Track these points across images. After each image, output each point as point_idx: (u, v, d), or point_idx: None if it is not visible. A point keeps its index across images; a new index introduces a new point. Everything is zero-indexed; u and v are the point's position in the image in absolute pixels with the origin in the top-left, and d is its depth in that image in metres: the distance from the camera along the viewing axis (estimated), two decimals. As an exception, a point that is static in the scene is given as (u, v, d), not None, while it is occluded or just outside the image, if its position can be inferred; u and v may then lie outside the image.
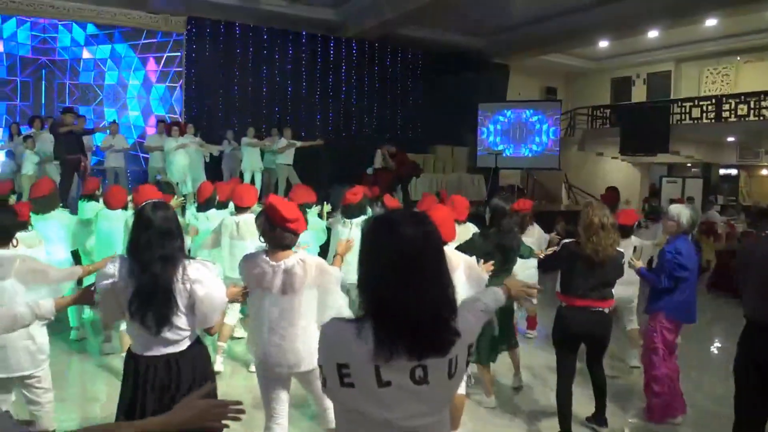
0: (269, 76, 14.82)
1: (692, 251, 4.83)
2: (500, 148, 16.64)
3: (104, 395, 5.32)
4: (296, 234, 3.26)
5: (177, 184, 11.10)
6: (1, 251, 3.53)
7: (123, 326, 5.38)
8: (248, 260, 3.34)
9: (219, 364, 5.56)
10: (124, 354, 5.30)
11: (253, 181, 12.14)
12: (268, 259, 3.24)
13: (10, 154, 11.38)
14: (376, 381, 1.58)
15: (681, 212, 4.82)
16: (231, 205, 6.12)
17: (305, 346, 3.24)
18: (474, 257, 4.12)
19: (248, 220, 5.54)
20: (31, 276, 3.46)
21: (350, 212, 6.12)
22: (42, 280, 3.51)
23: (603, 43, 17.40)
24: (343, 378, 1.60)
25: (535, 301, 6.76)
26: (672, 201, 10.97)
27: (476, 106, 17.21)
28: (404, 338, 1.57)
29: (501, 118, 17.37)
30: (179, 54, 14.27)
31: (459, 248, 4.24)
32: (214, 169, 12.31)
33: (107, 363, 5.90)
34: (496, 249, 4.83)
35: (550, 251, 5.05)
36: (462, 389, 4.15)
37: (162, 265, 2.74)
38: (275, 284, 3.22)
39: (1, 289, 3.35)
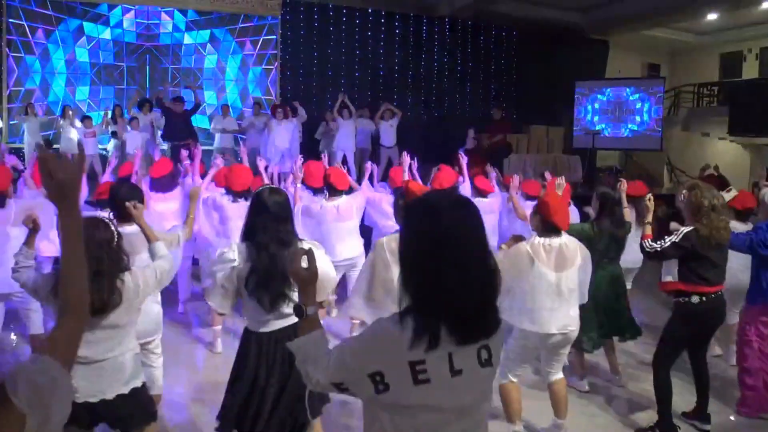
0: (362, 56, 14.88)
1: None
2: (598, 127, 16.00)
3: (206, 364, 5.54)
4: None
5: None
6: (129, 228, 3.54)
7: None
8: None
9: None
10: (217, 327, 5.54)
11: (345, 162, 12.31)
12: None
13: (114, 135, 11.97)
14: (449, 370, 1.55)
15: None
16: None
17: None
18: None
19: (348, 203, 5.61)
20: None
21: None
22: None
23: (711, 16, 16.28)
24: (417, 375, 1.52)
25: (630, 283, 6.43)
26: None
27: (573, 84, 16.53)
28: (451, 324, 1.52)
29: (599, 97, 16.63)
30: (274, 37, 14.55)
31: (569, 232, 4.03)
32: (312, 149, 12.53)
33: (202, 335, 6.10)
34: (611, 240, 4.70)
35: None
36: (560, 374, 4.03)
37: (278, 247, 2.92)
38: None
39: (140, 262, 3.42)
